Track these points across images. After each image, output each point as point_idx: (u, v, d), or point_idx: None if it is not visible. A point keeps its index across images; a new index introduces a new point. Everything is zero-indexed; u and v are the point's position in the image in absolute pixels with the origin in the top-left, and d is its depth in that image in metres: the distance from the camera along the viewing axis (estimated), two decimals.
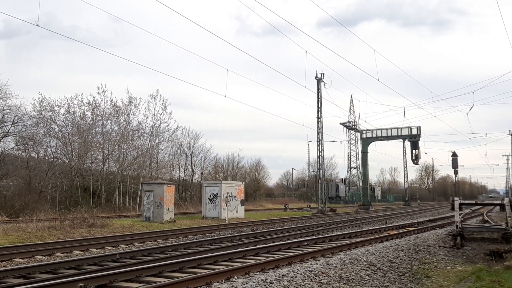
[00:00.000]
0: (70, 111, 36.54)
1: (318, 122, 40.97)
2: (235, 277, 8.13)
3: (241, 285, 7.40)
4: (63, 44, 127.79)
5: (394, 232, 17.73)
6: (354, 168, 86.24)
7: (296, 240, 14.50)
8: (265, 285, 7.42)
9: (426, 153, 75.38)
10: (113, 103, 37.80)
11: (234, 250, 11.50)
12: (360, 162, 65.52)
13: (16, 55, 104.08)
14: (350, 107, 79.06)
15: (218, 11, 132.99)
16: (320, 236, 15.74)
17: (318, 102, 40.84)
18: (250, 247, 12.28)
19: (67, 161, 36.37)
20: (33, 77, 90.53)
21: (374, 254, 11.26)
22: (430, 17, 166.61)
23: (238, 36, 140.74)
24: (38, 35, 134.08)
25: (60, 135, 36.41)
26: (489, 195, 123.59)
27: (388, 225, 22.06)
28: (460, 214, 16.02)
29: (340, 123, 63.64)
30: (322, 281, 8.08)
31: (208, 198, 28.46)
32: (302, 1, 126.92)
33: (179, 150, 46.51)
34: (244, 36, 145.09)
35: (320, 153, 41.27)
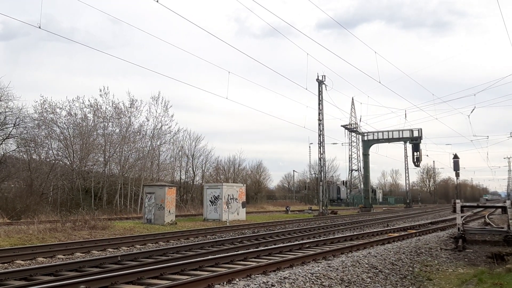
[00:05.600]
0: (72, 113, 36.66)
1: (319, 124, 40.98)
2: (237, 279, 8.13)
3: (243, 287, 7.39)
4: (62, 45, 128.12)
5: (396, 234, 17.70)
6: (356, 170, 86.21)
7: (297, 242, 14.49)
8: (266, 287, 7.41)
9: (427, 156, 75.22)
10: (114, 105, 37.91)
11: (236, 253, 11.50)
12: (361, 164, 65.51)
13: (15, 57, 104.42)
14: (351, 109, 79.17)
15: (217, 12, 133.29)
16: (321, 239, 15.73)
17: (319, 104, 40.86)
18: (252, 250, 12.26)
19: (68, 163, 36.41)
20: (32, 79, 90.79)
21: (375, 256, 11.24)
22: (430, 19, 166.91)
23: (237, 38, 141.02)
24: (37, 36, 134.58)
25: (62, 137, 36.49)
26: (485, 197, 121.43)
27: (389, 228, 22.02)
28: (461, 217, 15.99)
29: (342, 125, 63.44)
30: (323, 283, 8.07)
31: (210, 200, 28.46)
32: (301, 2, 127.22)
33: (180, 152, 46.63)
34: (243, 38, 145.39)
35: (322, 155, 41.26)
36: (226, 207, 27.87)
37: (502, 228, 15.78)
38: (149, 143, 40.01)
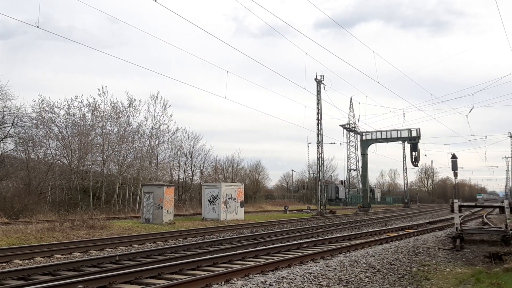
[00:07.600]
0: (70, 112, 36.59)
1: (317, 124, 40.98)
2: (235, 279, 8.13)
3: (241, 287, 7.39)
4: (60, 44, 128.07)
5: (394, 234, 17.72)
6: (354, 170, 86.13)
7: (295, 242, 14.49)
8: (264, 287, 7.41)
9: (425, 155, 75.27)
10: (113, 105, 37.85)
11: (234, 252, 11.50)
12: (360, 164, 65.55)
13: (12, 56, 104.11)
14: (349, 109, 79.02)
15: (215, 11, 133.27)
16: (319, 238, 15.74)
17: (317, 104, 40.86)
18: (250, 249, 12.27)
19: (66, 162, 36.36)
20: (30, 78, 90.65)
21: (373, 256, 11.25)
22: (428, 18, 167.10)
23: (235, 37, 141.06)
24: (35, 35, 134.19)
25: (60, 137, 36.43)
26: (479, 196, 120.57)
27: (387, 227, 22.05)
28: (459, 216, 16.01)
29: (340, 125, 63.44)
30: (321, 283, 8.08)
31: (208, 200, 28.44)
32: (299, 1, 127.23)
33: (178, 152, 46.54)
34: (241, 37, 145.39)
35: (320, 155, 41.28)
36: (225, 206, 27.86)
37: (500, 227, 15.79)
38: (148, 143, 40.03)
